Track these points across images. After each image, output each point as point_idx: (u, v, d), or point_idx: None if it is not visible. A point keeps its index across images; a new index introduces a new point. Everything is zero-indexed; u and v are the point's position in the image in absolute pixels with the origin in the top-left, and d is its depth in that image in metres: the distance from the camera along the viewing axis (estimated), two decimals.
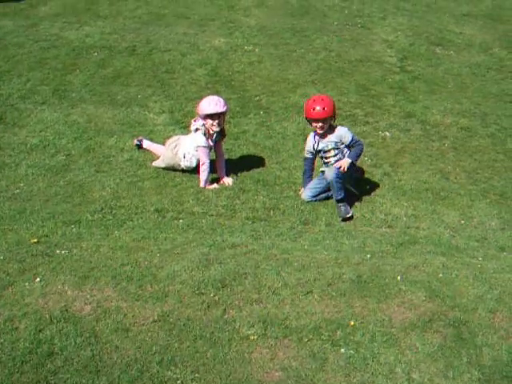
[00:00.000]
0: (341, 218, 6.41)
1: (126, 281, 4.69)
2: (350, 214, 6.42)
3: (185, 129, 7.64)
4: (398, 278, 4.93)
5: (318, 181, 6.77)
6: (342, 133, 6.72)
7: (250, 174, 7.11)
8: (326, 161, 6.84)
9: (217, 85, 9.36)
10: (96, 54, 10.35)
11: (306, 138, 7.03)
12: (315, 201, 6.69)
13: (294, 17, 12.64)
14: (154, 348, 4.11)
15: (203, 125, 6.86)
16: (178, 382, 3.90)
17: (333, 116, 6.70)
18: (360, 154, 6.81)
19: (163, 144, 7.26)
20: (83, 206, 6.30)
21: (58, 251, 5.20)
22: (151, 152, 7.41)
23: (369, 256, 5.44)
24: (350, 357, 4.12)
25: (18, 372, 3.90)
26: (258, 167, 7.30)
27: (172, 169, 7.10)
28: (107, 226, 5.92)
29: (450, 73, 10.59)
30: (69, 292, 4.58)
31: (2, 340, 4.12)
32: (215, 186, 6.86)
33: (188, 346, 4.13)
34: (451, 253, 5.76)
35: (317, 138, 6.79)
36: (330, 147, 6.73)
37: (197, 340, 4.18)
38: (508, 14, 14.05)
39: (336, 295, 4.65)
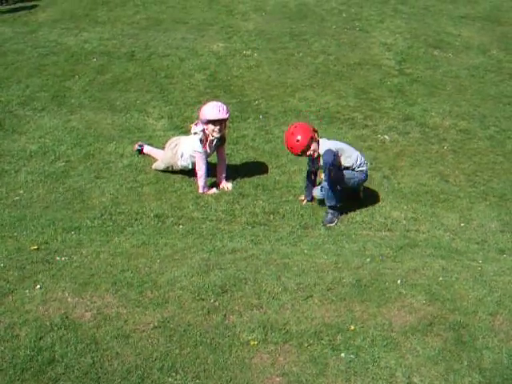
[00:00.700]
0: (322, 224, 6.42)
1: (126, 287, 4.69)
2: (332, 224, 6.41)
3: (184, 134, 7.64)
4: (398, 281, 4.93)
5: None
6: (320, 151, 6.47)
7: (249, 179, 7.11)
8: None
9: (216, 90, 9.37)
10: (95, 59, 10.36)
11: None
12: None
13: (292, 21, 12.65)
14: (155, 354, 4.10)
15: (203, 130, 6.84)
16: None
17: (309, 144, 6.38)
18: (335, 181, 6.45)
19: (163, 149, 7.27)
20: (83, 213, 6.31)
21: (58, 258, 5.21)
22: (152, 157, 7.41)
23: (369, 260, 5.44)
24: (350, 361, 4.11)
25: (18, 380, 3.89)
26: (258, 172, 7.30)
27: (171, 171, 7.11)
28: (107, 232, 5.92)
29: (448, 75, 10.61)
30: (69, 299, 4.58)
31: (2, 348, 4.12)
32: (214, 190, 6.86)
33: (188, 352, 4.13)
34: (451, 256, 5.76)
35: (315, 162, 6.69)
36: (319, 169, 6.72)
37: (197, 346, 4.17)
38: (506, 16, 14.07)
39: (336, 300, 4.65)
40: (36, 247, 5.46)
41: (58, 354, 4.08)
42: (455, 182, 7.43)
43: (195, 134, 6.88)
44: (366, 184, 7.07)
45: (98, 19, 12.69)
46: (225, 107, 6.83)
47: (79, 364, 4.01)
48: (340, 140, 7.04)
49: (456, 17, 13.78)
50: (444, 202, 6.96)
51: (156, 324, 4.32)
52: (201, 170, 6.83)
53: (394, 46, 11.60)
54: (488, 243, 6.23)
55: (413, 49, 11.54)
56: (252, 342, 4.20)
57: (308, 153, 6.43)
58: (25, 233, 5.85)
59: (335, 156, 6.38)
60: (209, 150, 6.93)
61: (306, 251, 5.59)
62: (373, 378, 4.02)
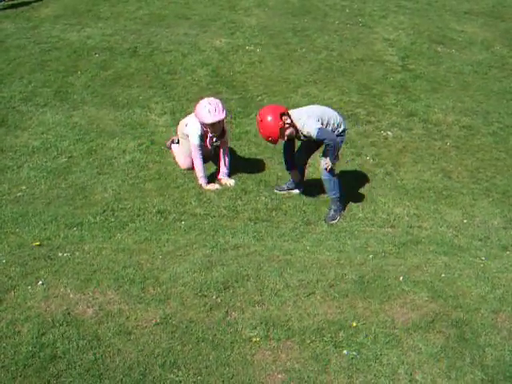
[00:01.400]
0: (325, 221, 6.40)
1: (128, 283, 4.68)
2: (335, 221, 6.40)
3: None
4: (401, 278, 4.92)
5: None
6: (309, 131, 6.15)
7: (251, 175, 7.10)
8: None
9: (218, 85, 9.35)
10: (97, 55, 10.34)
11: None
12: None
13: (294, 16, 12.62)
14: (157, 351, 4.10)
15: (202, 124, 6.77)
16: None
17: (282, 130, 6.15)
18: (334, 152, 6.31)
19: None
20: (85, 209, 6.31)
21: (60, 254, 5.21)
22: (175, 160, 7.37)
23: (371, 256, 5.44)
24: (352, 358, 4.11)
25: (20, 376, 3.90)
26: (260, 168, 7.29)
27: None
28: (109, 228, 5.92)
29: (451, 71, 10.58)
30: (71, 295, 4.58)
31: (4, 344, 4.12)
32: (217, 187, 6.84)
33: (190, 349, 4.13)
34: (454, 252, 5.76)
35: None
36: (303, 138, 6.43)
37: (199, 342, 4.17)
38: (509, 12, 14.04)
39: (338, 296, 4.64)
40: (38, 243, 5.46)
41: (60, 350, 4.08)
42: (458, 178, 7.41)
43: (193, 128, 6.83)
44: (368, 180, 7.07)
45: (101, 15, 12.66)
46: (220, 105, 6.68)
47: (81, 360, 4.01)
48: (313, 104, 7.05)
49: (459, 12, 13.76)
50: (447, 198, 6.95)
51: (158, 320, 4.31)
52: (195, 161, 6.80)
53: (397, 42, 11.58)
54: (491, 240, 6.23)
55: (416, 45, 11.51)
56: (254, 339, 4.20)
57: (287, 132, 6.19)
58: (27, 229, 5.85)
59: (326, 131, 6.21)
60: (209, 146, 6.93)
61: (308, 247, 5.58)
62: (375, 375, 4.02)
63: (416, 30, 12.21)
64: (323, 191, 6.73)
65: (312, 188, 6.90)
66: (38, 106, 8.62)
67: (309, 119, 6.17)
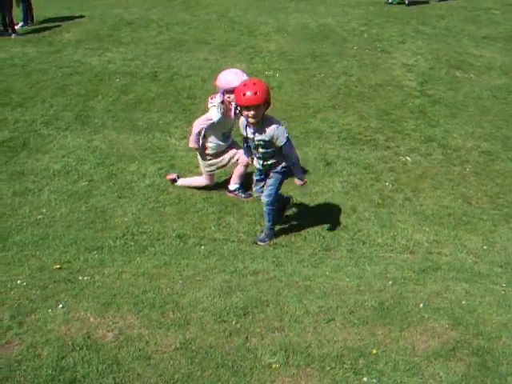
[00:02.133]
0: (253, 241, 6.35)
1: (148, 308, 4.69)
2: (264, 244, 6.30)
3: None
4: (421, 305, 4.89)
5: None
6: (277, 133, 5.85)
7: None
8: (254, 152, 6.21)
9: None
10: (118, 79, 10.47)
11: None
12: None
13: (313, 42, 12.72)
14: (176, 376, 4.09)
15: (222, 101, 6.67)
16: None
17: (266, 103, 5.75)
18: (297, 165, 6.19)
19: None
20: (105, 232, 6.34)
21: (80, 277, 5.23)
22: (190, 186, 7.36)
23: (391, 283, 5.40)
24: None
25: None
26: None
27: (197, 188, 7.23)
28: (129, 252, 5.95)
29: (470, 96, 10.58)
30: (91, 319, 4.58)
31: (24, 367, 4.12)
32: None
33: (210, 375, 4.11)
34: (474, 279, 5.71)
35: (249, 129, 6.01)
36: (258, 143, 6.00)
37: (219, 368, 4.15)
38: None
39: (358, 323, 4.61)
40: (59, 266, 5.49)
41: (80, 374, 4.07)
42: (478, 204, 7.38)
43: (213, 106, 6.72)
44: (388, 205, 7.05)
45: (122, 40, 12.85)
46: (245, 74, 6.59)
47: None
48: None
49: (478, 37, 13.79)
50: (466, 224, 6.92)
51: (178, 345, 4.30)
52: (194, 129, 6.80)
53: (416, 67, 11.61)
54: (511, 266, 6.17)
55: (434, 70, 11.54)
56: (274, 365, 4.17)
57: (257, 113, 5.74)
58: (47, 251, 5.89)
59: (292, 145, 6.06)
60: (233, 116, 6.78)
61: (327, 273, 5.56)
62: None
63: (434, 55, 12.24)
64: (342, 216, 6.74)
65: (331, 214, 6.89)
66: (60, 130, 8.72)
67: (280, 125, 5.94)
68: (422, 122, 9.39)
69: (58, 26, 14.66)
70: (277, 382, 4.08)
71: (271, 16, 15.02)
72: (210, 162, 7.09)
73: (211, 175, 7.23)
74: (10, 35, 14.02)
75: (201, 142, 6.97)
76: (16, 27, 14.38)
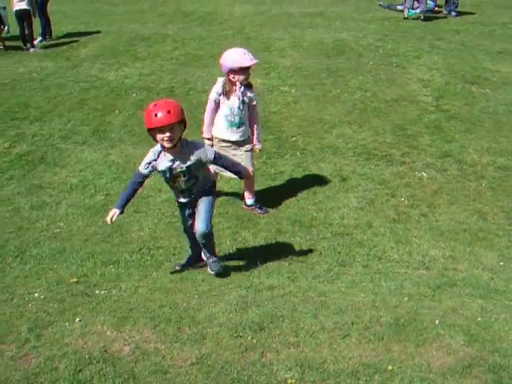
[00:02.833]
0: (214, 272, 5.82)
1: (164, 322, 4.71)
2: (221, 270, 5.81)
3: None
4: (436, 321, 4.87)
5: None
6: (202, 151, 5.43)
7: (286, 215, 7.12)
8: (173, 185, 5.63)
9: None
10: (134, 94, 10.57)
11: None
12: None
13: (329, 57, 12.77)
14: None
15: (224, 81, 6.75)
16: None
17: (182, 122, 5.20)
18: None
19: None
20: (122, 246, 6.39)
21: (97, 291, 5.28)
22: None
23: (406, 299, 5.39)
24: None
25: None
26: (295, 208, 7.30)
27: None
28: (145, 266, 5.99)
29: (486, 111, 10.56)
30: (108, 333, 4.62)
31: (42, 379, 4.15)
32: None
33: None
34: (490, 295, 5.69)
35: (163, 155, 5.37)
36: (180, 170, 5.40)
37: (234, 383, 4.16)
38: None
39: (374, 339, 4.61)
40: (76, 280, 5.55)
41: None
42: (494, 219, 7.35)
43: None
44: (403, 221, 7.05)
45: (138, 55, 12.98)
46: (250, 53, 6.70)
47: None
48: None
49: (493, 52, 13.78)
50: (482, 240, 6.89)
51: (194, 360, 4.31)
52: (207, 115, 6.95)
53: (431, 82, 11.61)
54: None
55: (450, 85, 11.53)
56: (289, 381, 4.17)
57: (173, 135, 5.15)
58: (65, 265, 5.95)
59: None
60: (239, 99, 6.78)
61: (343, 289, 5.57)
62: None
63: (450, 70, 12.24)
64: (357, 232, 6.76)
65: (346, 229, 6.90)
66: (77, 144, 8.81)
67: (203, 145, 5.70)
68: (438, 138, 9.37)
69: (76, 40, 14.84)
70: None
71: (286, 31, 15.10)
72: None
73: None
74: (29, 50, 14.20)
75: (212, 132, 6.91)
76: (34, 42, 14.57)
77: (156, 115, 5.05)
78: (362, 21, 16.43)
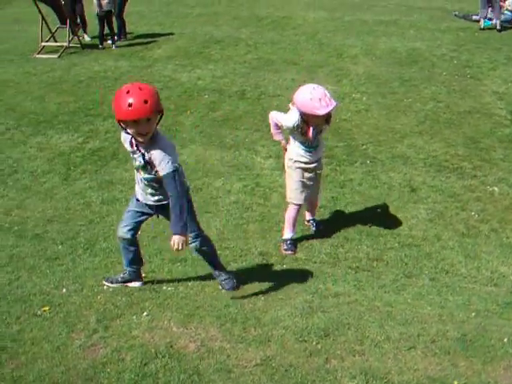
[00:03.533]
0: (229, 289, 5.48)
1: (230, 322, 4.76)
2: (235, 286, 5.49)
3: None
4: (505, 339, 4.77)
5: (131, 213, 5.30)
6: (159, 157, 4.62)
7: (354, 224, 7.08)
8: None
9: None
10: (207, 96, 10.69)
11: None
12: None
13: (401, 66, 12.65)
14: None
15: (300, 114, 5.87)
16: None
17: (159, 112, 4.52)
18: (182, 212, 4.70)
19: None
20: None
21: (164, 287, 5.38)
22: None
23: (474, 314, 5.30)
24: None
25: None
26: (363, 217, 7.24)
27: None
28: None
29: None
30: (174, 328, 4.70)
31: (108, 369, 4.26)
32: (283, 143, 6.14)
33: None
34: None
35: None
36: (138, 165, 4.84)
37: None
38: None
39: (440, 353, 4.54)
40: (144, 275, 5.65)
41: (162, 381, 4.17)
42: None
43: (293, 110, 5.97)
44: (473, 235, 6.92)
45: (211, 57, 13.14)
46: (328, 94, 5.77)
47: None
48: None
49: None
50: None
51: (258, 361, 4.34)
52: (270, 121, 6.22)
53: (507, 95, 11.35)
54: None
55: None
56: None
57: (148, 127, 4.45)
58: None
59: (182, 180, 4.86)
60: (312, 138, 6.08)
61: (409, 300, 5.51)
62: None
63: None
64: (425, 244, 6.68)
65: (414, 240, 6.82)
66: None
67: (171, 152, 4.68)
68: (511, 152, 9.17)
69: (150, 41, 15.14)
70: None
71: (359, 39, 15.04)
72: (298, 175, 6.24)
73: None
74: (111, 47, 14.65)
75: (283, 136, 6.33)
76: (109, 42, 14.97)
77: (130, 105, 4.27)
78: (437, 30, 16.19)
